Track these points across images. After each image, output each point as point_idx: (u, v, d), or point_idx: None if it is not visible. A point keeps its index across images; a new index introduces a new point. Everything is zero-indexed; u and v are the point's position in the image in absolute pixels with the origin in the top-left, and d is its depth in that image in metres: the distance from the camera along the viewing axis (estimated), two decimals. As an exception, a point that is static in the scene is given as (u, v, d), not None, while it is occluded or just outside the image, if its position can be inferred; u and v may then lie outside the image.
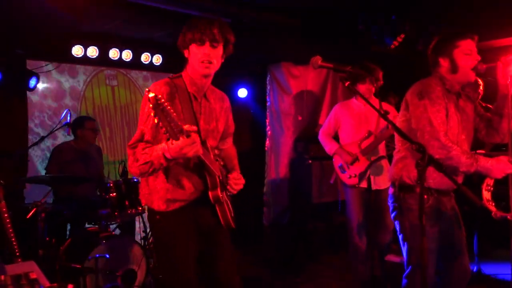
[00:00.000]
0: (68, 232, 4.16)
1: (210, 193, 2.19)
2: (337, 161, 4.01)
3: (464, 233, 2.67)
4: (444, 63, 2.52)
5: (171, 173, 2.18)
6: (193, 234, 2.26)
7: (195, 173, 2.20)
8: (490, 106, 4.86)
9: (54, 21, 4.13)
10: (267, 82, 5.70)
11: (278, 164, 5.63)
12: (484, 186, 2.70)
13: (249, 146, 6.51)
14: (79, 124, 4.32)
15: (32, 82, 4.39)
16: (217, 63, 2.18)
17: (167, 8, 4.20)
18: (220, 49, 2.17)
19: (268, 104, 5.69)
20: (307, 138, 5.53)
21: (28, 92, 4.63)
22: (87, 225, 4.17)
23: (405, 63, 5.15)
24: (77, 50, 4.71)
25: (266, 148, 5.68)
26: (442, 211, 2.55)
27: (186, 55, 2.20)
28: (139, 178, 2.34)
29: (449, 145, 2.34)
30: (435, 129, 2.35)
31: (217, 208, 2.25)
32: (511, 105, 2.57)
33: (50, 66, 4.81)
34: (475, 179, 4.33)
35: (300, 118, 5.73)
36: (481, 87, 4.67)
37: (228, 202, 2.33)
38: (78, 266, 3.30)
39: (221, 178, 2.25)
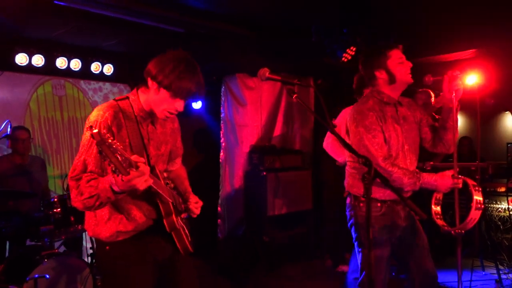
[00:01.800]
0: (7, 251, 3.91)
1: (165, 221, 2.05)
2: None
3: (425, 238, 2.74)
4: (380, 75, 2.58)
5: (120, 202, 2.02)
6: (149, 265, 2.10)
7: (145, 201, 2.06)
8: (438, 117, 5.04)
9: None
10: (222, 94, 5.65)
11: (232, 176, 5.58)
12: (433, 200, 2.77)
13: (203, 157, 6.42)
14: (10, 135, 4.04)
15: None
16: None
17: (119, 17, 4.09)
18: (184, 103, 2.06)
19: (222, 115, 5.64)
20: (261, 150, 5.51)
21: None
22: (29, 243, 3.94)
23: (354, 75, 5.25)
24: (21, 58, 4.50)
25: (220, 160, 5.61)
26: (395, 219, 2.61)
27: (149, 85, 2.01)
28: None
29: (390, 169, 2.44)
30: (373, 156, 2.45)
31: (174, 235, 2.11)
32: (455, 118, 2.67)
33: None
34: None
35: (254, 129, 5.72)
36: (432, 99, 4.85)
37: (184, 227, 2.21)
38: (15, 287, 3.09)
39: (174, 204, 2.13)
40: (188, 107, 6.05)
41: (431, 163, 4.47)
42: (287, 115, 5.98)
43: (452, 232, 2.64)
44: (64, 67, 4.81)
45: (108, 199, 1.86)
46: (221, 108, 5.65)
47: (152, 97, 2.02)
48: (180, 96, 1.98)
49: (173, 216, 2.07)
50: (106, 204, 1.91)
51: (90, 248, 4.21)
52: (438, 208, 2.82)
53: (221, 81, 5.67)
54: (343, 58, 4.18)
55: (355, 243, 2.70)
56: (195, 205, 2.28)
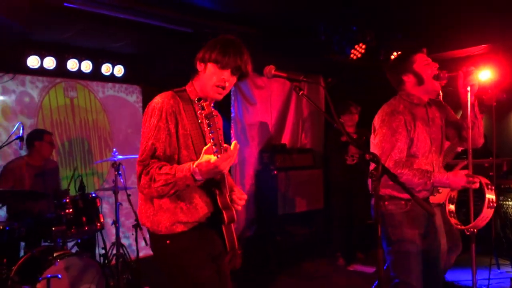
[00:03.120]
0: (22, 251, 3.96)
1: (224, 213, 1.99)
2: None
3: (445, 239, 2.75)
4: (408, 79, 2.63)
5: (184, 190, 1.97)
6: (210, 259, 2.05)
7: (205, 191, 2.03)
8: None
9: (6, 30, 3.97)
10: (232, 93, 5.65)
11: (243, 175, 5.57)
12: (447, 199, 2.72)
13: (214, 157, 6.43)
14: (38, 136, 4.14)
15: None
16: (227, 90, 2.09)
17: (128, 18, 4.12)
18: (235, 78, 2.08)
19: (232, 115, 5.64)
20: (272, 149, 5.50)
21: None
22: (43, 243, 3.98)
23: (366, 73, 5.22)
24: (32, 61, 4.55)
25: (231, 160, 5.61)
26: (419, 217, 2.58)
27: (199, 68, 2.07)
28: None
29: (399, 171, 2.46)
30: (386, 158, 2.49)
31: (224, 230, 2.04)
32: (476, 112, 2.68)
33: (4, 78, 4.61)
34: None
35: (265, 128, 5.71)
36: (440, 97, 4.79)
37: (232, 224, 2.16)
38: (28, 287, 3.13)
39: (229, 196, 2.09)
40: (198, 107, 6.06)
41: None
42: (297, 114, 5.96)
43: (465, 230, 2.59)
44: (76, 69, 4.86)
45: (186, 187, 1.87)
46: (231, 108, 5.64)
47: (203, 78, 2.05)
48: (225, 64, 2.00)
49: (232, 209, 2.03)
50: (181, 191, 1.91)
51: (102, 248, 4.27)
52: (452, 207, 2.79)
53: (230, 81, 5.67)
54: (351, 55, 4.15)
55: (385, 245, 2.65)
56: (240, 196, 2.18)
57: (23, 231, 3.70)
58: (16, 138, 3.77)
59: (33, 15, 3.67)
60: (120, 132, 5.61)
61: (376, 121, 2.66)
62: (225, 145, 1.78)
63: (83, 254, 3.57)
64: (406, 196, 2.53)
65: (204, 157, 1.79)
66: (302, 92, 1.94)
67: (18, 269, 3.35)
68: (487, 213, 2.50)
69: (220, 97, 2.08)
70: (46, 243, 3.83)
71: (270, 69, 2.03)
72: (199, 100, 1.77)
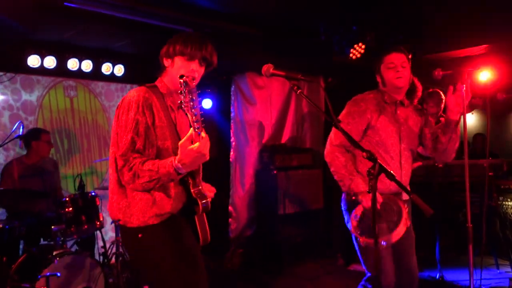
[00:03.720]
0: (21, 250, 3.97)
1: (199, 202, 2.03)
2: None
3: (413, 235, 2.78)
4: (378, 78, 2.74)
5: None
6: (182, 252, 2.08)
7: (178, 182, 2.07)
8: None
9: (6, 29, 3.98)
10: (232, 93, 5.66)
11: (243, 175, 5.58)
12: (352, 216, 2.69)
13: (213, 157, 6.43)
14: (34, 136, 4.15)
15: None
16: (197, 81, 2.11)
17: (128, 17, 4.13)
18: (203, 69, 2.13)
19: (232, 114, 5.64)
20: (272, 149, 5.51)
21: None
22: (42, 242, 3.99)
23: (366, 73, 5.22)
24: (33, 60, 4.56)
25: (231, 159, 5.62)
26: (388, 212, 2.61)
27: (165, 64, 2.13)
28: (106, 189, 2.11)
29: (335, 154, 2.58)
30: (330, 138, 2.63)
31: (197, 221, 2.08)
32: (457, 131, 2.72)
33: (4, 77, 4.62)
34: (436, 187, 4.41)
35: (265, 128, 5.71)
36: (443, 103, 4.78)
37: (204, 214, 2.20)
38: (28, 286, 3.13)
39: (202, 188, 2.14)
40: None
41: (420, 163, 4.41)
42: (297, 114, 5.96)
43: (371, 244, 2.57)
44: (76, 69, 4.87)
45: (170, 181, 1.95)
46: (231, 107, 5.65)
47: (171, 73, 2.10)
48: (192, 55, 2.05)
49: (207, 198, 2.07)
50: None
51: (102, 247, 4.27)
52: (355, 223, 2.72)
53: (230, 80, 5.68)
54: (351, 55, 4.16)
55: (354, 240, 2.71)
56: (210, 189, 2.24)
57: (23, 230, 3.71)
58: (16, 137, 3.79)
59: (33, 14, 3.67)
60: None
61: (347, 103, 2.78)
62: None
63: (83, 252, 3.58)
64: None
65: (184, 149, 1.85)
66: (300, 90, 1.95)
67: (18, 268, 3.36)
68: (401, 230, 2.47)
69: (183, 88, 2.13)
70: (46, 242, 3.84)
71: (269, 67, 2.04)
72: (181, 76, 1.83)
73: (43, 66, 4.62)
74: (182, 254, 2.08)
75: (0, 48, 4.37)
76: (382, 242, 2.49)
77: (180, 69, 2.06)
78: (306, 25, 4.54)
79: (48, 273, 3.14)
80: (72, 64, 4.84)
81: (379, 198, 2.47)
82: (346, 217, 2.74)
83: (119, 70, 5.23)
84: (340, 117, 2.67)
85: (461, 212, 4.87)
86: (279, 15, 4.28)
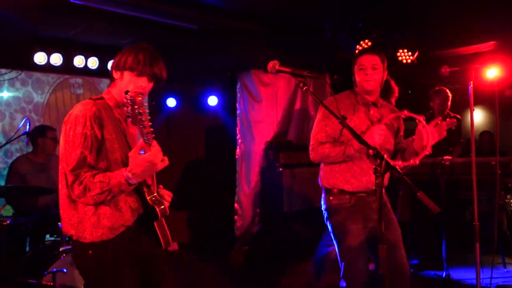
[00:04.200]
0: (29, 246, 3.99)
1: (157, 209, 2.05)
2: None
3: (399, 232, 2.78)
4: (353, 79, 2.76)
5: None
6: (134, 266, 2.07)
7: (132, 192, 2.05)
8: (458, 116, 4.95)
9: (13, 27, 4.00)
10: (237, 90, 5.65)
11: (249, 172, 5.57)
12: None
13: (219, 154, 6.44)
14: (40, 133, 4.17)
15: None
16: (145, 96, 2.12)
17: (134, 15, 4.13)
18: (151, 84, 2.11)
19: (238, 112, 5.64)
20: (277, 146, 5.49)
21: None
22: (49, 238, 4.01)
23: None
24: (39, 58, 4.57)
25: (236, 157, 5.61)
26: (367, 211, 2.66)
27: (115, 76, 2.09)
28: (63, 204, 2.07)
29: (320, 147, 2.63)
30: (311, 139, 2.69)
31: (156, 227, 2.10)
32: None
33: (11, 74, 4.65)
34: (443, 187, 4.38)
35: (270, 126, 5.70)
36: (449, 101, 4.75)
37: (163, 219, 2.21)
38: (34, 281, 3.15)
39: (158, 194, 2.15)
40: (204, 104, 6.07)
41: (450, 157, 4.39)
42: (303, 111, 5.95)
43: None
44: (82, 66, 4.88)
45: (121, 192, 1.93)
46: (237, 105, 5.65)
47: (119, 86, 2.08)
48: (141, 72, 2.03)
49: (164, 203, 2.10)
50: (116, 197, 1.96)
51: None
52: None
53: (236, 78, 5.68)
54: (356, 52, 4.14)
55: (332, 236, 2.75)
56: (167, 193, 2.25)
57: (30, 226, 3.74)
58: (23, 134, 3.81)
59: (40, 11, 3.69)
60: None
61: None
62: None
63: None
64: (349, 188, 2.64)
65: (135, 159, 1.87)
66: (306, 87, 1.94)
67: (25, 263, 3.38)
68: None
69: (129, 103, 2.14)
70: (52, 238, 3.86)
71: (274, 64, 2.04)
72: (126, 92, 1.83)
73: (50, 63, 4.63)
74: (130, 271, 2.06)
75: (7, 46, 4.39)
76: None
77: (129, 84, 2.04)
78: (311, 22, 4.52)
79: (54, 269, 3.16)
80: (78, 61, 4.85)
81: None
82: (325, 215, 2.79)
83: (125, 67, 5.23)
84: (316, 122, 2.71)
85: (468, 210, 4.85)
86: (284, 11, 4.26)
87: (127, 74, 2.05)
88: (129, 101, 1.81)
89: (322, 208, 2.80)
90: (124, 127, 2.13)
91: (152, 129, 1.86)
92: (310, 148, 2.67)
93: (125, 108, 1.87)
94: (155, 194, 2.09)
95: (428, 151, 2.52)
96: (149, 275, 2.16)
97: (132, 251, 2.07)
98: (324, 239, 3.84)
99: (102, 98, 2.11)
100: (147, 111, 1.84)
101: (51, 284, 3.15)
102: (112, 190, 1.90)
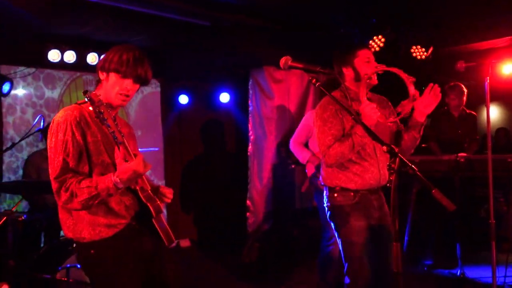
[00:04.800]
0: (43, 242, 4.04)
1: (150, 206, 2.06)
2: (310, 169, 3.99)
3: (391, 231, 2.72)
4: (347, 72, 2.67)
5: None
6: (137, 262, 2.08)
7: (125, 191, 2.05)
8: (474, 112, 4.87)
9: (27, 25, 4.04)
10: (250, 87, 5.64)
11: (261, 169, 5.57)
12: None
13: (232, 151, 6.44)
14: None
15: (6, 87, 4.28)
16: (131, 97, 2.13)
17: (145, 11, 4.14)
18: (138, 86, 2.11)
19: (250, 108, 5.63)
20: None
21: (2, 98, 4.51)
22: (62, 234, 4.06)
23: (386, 64, 5.14)
24: (53, 55, 4.61)
25: (248, 153, 5.61)
26: (369, 208, 2.66)
27: (101, 77, 2.10)
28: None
29: (326, 151, 2.56)
30: (320, 145, 2.61)
31: (156, 224, 2.10)
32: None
33: (26, 71, 4.70)
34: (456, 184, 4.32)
35: (283, 122, 5.68)
36: (465, 96, 4.68)
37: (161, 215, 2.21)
38: (48, 276, 3.19)
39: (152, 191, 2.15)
40: (216, 101, 6.07)
41: (464, 154, 4.33)
42: (315, 107, 5.91)
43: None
44: (95, 63, 4.90)
45: (109, 196, 1.94)
46: (249, 101, 5.64)
47: (105, 87, 2.08)
48: (126, 74, 2.03)
49: (157, 200, 2.10)
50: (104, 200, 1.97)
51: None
52: None
53: (248, 74, 5.66)
54: (370, 47, 4.10)
55: (336, 234, 2.73)
56: (168, 190, 2.26)
57: (45, 222, 3.78)
58: (37, 131, 3.84)
59: (53, 9, 3.71)
60: (138, 125, 5.66)
61: (314, 114, 2.76)
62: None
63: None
64: (353, 186, 2.62)
65: (121, 167, 1.88)
66: (319, 83, 1.92)
67: (39, 259, 3.42)
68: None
69: (125, 103, 2.15)
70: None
71: (287, 60, 2.02)
72: (85, 92, 1.83)
73: (63, 61, 4.66)
74: (133, 268, 2.07)
75: (21, 43, 4.44)
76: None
77: (115, 85, 2.05)
78: (325, 17, 4.49)
79: (68, 265, 3.19)
80: (92, 58, 4.87)
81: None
82: (328, 214, 2.76)
83: (137, 64, 5.26)
84: (318, 128, 2.64)
85: (483, 208, 4.78)
86: (298, 8, 4.23)
87: (112, 76, 2.05)
88: (88, 101, 1.81)
89: (325, 206, 2.78)
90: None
91: (118, 128, 1.85)
92: (322, 155, 2.60)
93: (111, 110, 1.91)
94: (148, 191, 2.09)
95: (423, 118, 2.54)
96: (153, 272, 2.17)
97: (134, 248, 2.08)
98: (324, 238, 3.83)
99: (85, 102, 2.09)
100: (109, 109, 1.84)
101: (65, 279, 3.19)
102: (100, 194, 1.91)
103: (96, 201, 1.93)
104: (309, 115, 4.15)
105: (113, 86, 2.05)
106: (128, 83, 2.05)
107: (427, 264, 4.62)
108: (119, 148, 1.88)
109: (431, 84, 2.50)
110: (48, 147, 2.03)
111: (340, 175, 2.65)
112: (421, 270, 4.58)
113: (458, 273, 4.25)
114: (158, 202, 2.11)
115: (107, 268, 2.02)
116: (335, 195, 2.65)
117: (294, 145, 4.15)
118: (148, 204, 2.06)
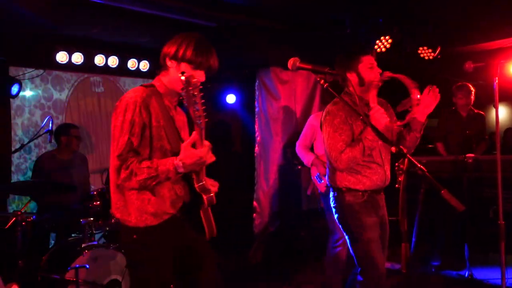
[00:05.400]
0: (52, 242, 4.07)
1: (204, 197, 2.08)
2: (314, 172, 4.03)
3: (388, 232, 2.81)
4: (352, 77, 2.69)
5: None
6: (175, 256, 2.13)
7: (180, 179, 2.10)
8: (482, 112, 4.85)
9: (34, 26, 4.07)
10: (256, 88, 5.64)
11: (267, 170, 5.57)
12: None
13: (238, 152, 6.45)
14: (64, 131, 4.25)
15: (15, 89, 4.31)
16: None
17: (153, 13, 4.16)
18: (205, 75, 2.14)
19: (256, 109, 5.63)
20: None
21: (11, 100, 4.54)
22: (71, 235, 4.08)
23: (393, 66, 5.12)
24: (61, 57, 4.64)
25: (255, 154, 5.61)
26: (375, 206, 2.70)
27: (169, 65, 2.12)
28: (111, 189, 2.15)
29: (343, 154, 2.57)
30: (330, 151, 2.61)
31: (202, 216, 2.12)
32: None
33: (34, 73, 4.73)
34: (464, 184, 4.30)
35: (289, 123, 5.68)
36: (472, 95, 4.66)
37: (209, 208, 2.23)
38: (57, 277, 3.21)
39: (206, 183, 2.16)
40: (222, 102, 6.08)
41: (473, 155, 4.30)
42: (321, 109, 5.90)
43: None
44: (102, 64, 4.94)
45: (167, 179, 1.98)
46: (256, 102, 5.64)
47: (173, 74, 2.10)
48: (199, 65, 2.07)
49: (211, 192, 2.11)
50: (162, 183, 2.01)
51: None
52: None
53: (254, 75, 5.67)
54: (376, 48, 4.09)
55: (346, 236, 2.74)
56: (213, 183, 2.27)
57: (53, 223, 3.81)
58: (46, 132, 3.88)
59: (60, 10, 3.74)
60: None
61: (322, 121, 2.76)
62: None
63: (110, 245, 3.64)
64: (361, 187, 2.64)
65: (188, 151, 1.91)
66: (327, 84, 1.92)
67: (48, 259, 3.45)
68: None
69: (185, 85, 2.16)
70: (75, 235, 3.93)
71: (295, 61, 2.03)
72: (183, 73, 1.88)
73: (71, 62, 4.69)
74: (170, 259, 2.11)
75: (29, 45, 4.47)
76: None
77: None
78: (331, 18, 4.48)
79: (77, 265, 3.21)
80: (99, 60, 4.91)
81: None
82: (337, 215, 2.77)
83: (144, 65, 5.29)
84: (328, 135, 2.64)
85: (491, 208, 4.75)
86: (303, 8, 4.23)
87: (184, 66, 2.08)
88: (184, 81, 1.84)
89: (332, 207, 2.78)
90: (173, 115, 2.16)
91: (205, 113, 1.89)
92: (333, 160, 2.61)
93: (178, 95, 1.93)
94: (203, 182, 2.10)
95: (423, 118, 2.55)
96: (190, 264, 2.20)
97: (175, 240, 2.12)
98: (331, 239, 3.83)
99: (152, 86, 2.15)
100: (202, 94, 1.87)
101: (74, 279, 3.20)
102: (159, 176, 1.94)
103: (154, 183, 1.96)
104: (313, 117, 4.17)
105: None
106: (199, 74, 2.08)
107: (435, 265, 4.60)
108: (200, 133, 1.91)
109: (429, 86, 2.53)
110: (112, 124, 2.05)
111: (349, 177, 2.67)
112: (429, 271, 4.56)
113: (466, 274, 4.22)
114: (212, 194, 2.12)
115: (148, 254, 2.06)
116: (344, 195, 2.67)
117: (299, 149, 4.19)
118: (202, 195, 2.08)
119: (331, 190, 2.81)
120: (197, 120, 1.89)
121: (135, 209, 2.05)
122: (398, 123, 2.65)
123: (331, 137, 2.62)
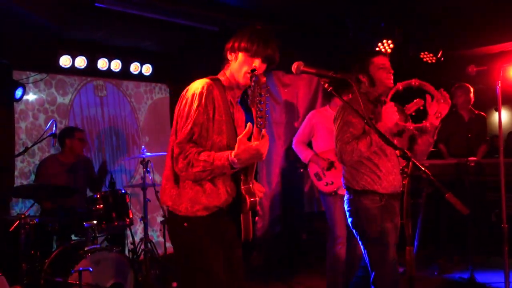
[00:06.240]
0: (55, 245, 4.07)
1: (248, 199, 2.04)
2: (312, 169, 4.01)
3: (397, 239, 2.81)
4: (363, 78, 2.76)
5: None
6: (220, 245, 2.09)
7: (230, 177, 2.08)
8: (483, 113, 4.86)
9: (38, 30, 4.09)
10: (258, 91, 5.64)
11: (270, 173, 5.57)
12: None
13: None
14: (68, 134, 4.26)
15: (18, 93, 4.32)
16: None
17: (156, 17, 4.18)
18: (265, 66, 2.13)
19: (259, 113, 5.62)
20: (298, 147, 5.48)
21: (15, 104, 4.55)
22: (74, 238, 4.09)
23: (395, 69, 5.14)
24: (64, 61, 4.66)
25: (257, 158, 5.60)
26: (392, 212, 2.68)
27: (229, 58, 2.12)
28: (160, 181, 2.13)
29: (348, 146, 2.60)
30: (338, 143, 2.65)
31: (242, 218, 2.08)
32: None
33: (37, 77, 4.74)
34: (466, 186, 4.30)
35: (291, 127, 5.69)
36: (471, 94, 4.66)
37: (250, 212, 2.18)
38: (61, 280, 3.21)
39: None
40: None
41: (475, 158, 4.31)
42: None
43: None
44: (105, 68, 4.95)
45: (221, 174, 1.97)
46: (258, 106, 5.63)
47: (234, 67, 2.10)
48: (255, 53, 2.05)
49: (256, 197, 2.08)
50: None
51: (131, 243, 4.35)
52: None
53: (257, 79, 5.67)
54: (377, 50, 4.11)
55: (361, 241, 2.72)
56: (259, 188, 2.21)
57: (56, 226, 3.81)
58: (49, 135, 3.88)
59: (65, 14, 3.76)
60: (148, 130, 5.70)
61: (335, 117, 2.79)
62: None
63: (113, 249, 3.65)
64: (379, 190, 2.63)
65: (243, 145, 1.87)
66: (331, 88, 1.93)
67: (51, 262, 3.45)
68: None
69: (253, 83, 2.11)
70: (78, 238, 3.93)
71: (299, 65, 2.04)
72: (253, 70, 1.88)
73: (74, 66, 4.71)
74: (219, 251, 2.09)
75: (32, 49, 4.49)
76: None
77: (243, 65, 2.07)
78: (333, 22, 4.50)
79: (80, 268, 3.21)
80: (102, 63, 4.92)
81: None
82: (351, 219, 2.76)
83: (147, 69, 5.30)
84: (338, 128, 2.67)
85: (494, 212, 4.75)
86: (306, 12, 4.25)
87: (241, 55, 2.07)
88: (253, 79, 1.83)
89: (347, 211, 2.76)
90: (233, 111, 2.16)
91: (267, 115, 1.85)
92: (337, 151, 2.62)
93: (239, 91, 1.95)
94: (250, 185, 2.08)
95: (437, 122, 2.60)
96: (231, 260, 2.17)
97: (221, 233, 2.10)
98: (330, 239, 3.83)
99: (217, 79, 2.14)
100: (268, 95, 1.84)
101: (77, 282, 3.20)
102: (214, 171, 1.93)
103: (209, 177, 1.96)
104: (312, 114, 4.17)
105: (241, 65, 2.07)
106: (257, 62, 2.07)
107: (437, 269, 4.60)
108: (259, 133, 1.87)
109: (429, 97, 2.60)
110: (176, 113, 2.05)
111: (365, 177, 2.66)
112: (431, 274, 4.55)
113: (469, 278, 4.21)
114: (256, 198, 2.09)
115: (199, 242, 2.03)
116: (360, 198, 2.66)
117: (296, 144, 4.17)
118: (247, 197, 2.05)
119: (346, 193, 2.79)
120: (258, 120, 1.84)
121: (188, 199, 2.03)
122: (412, 125, 2.68)
123: (340, 130, 2.66)
